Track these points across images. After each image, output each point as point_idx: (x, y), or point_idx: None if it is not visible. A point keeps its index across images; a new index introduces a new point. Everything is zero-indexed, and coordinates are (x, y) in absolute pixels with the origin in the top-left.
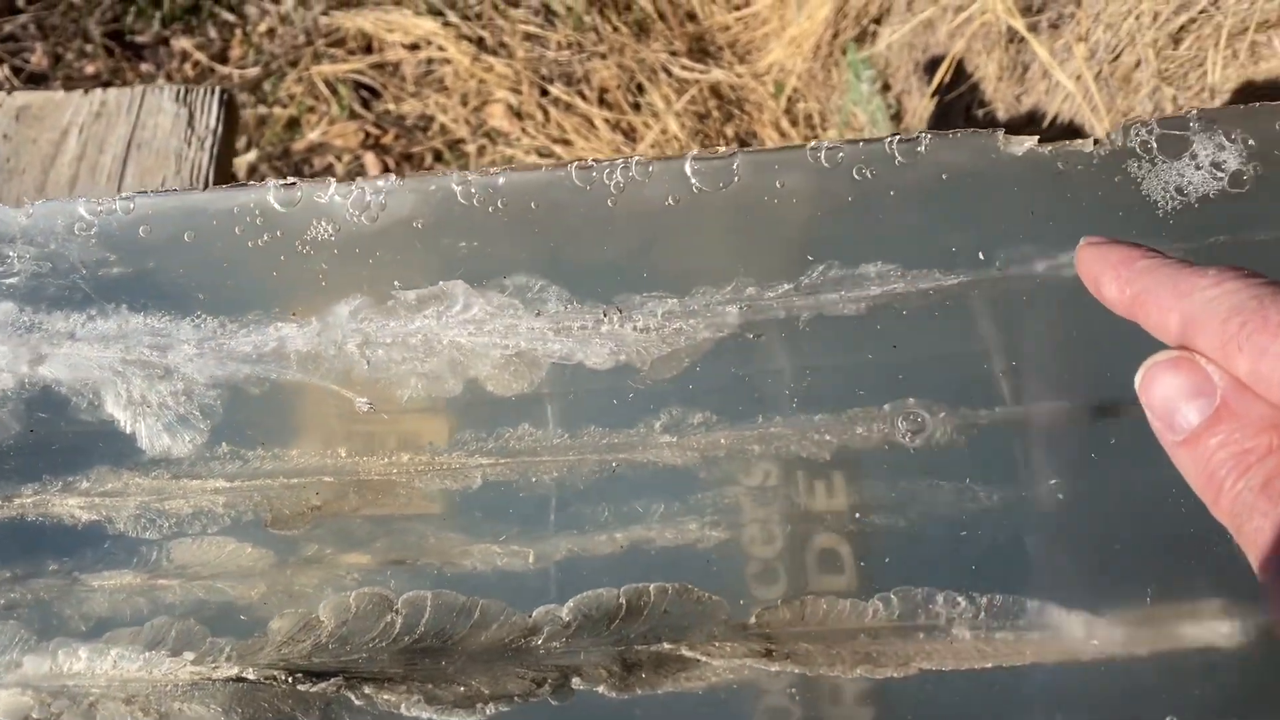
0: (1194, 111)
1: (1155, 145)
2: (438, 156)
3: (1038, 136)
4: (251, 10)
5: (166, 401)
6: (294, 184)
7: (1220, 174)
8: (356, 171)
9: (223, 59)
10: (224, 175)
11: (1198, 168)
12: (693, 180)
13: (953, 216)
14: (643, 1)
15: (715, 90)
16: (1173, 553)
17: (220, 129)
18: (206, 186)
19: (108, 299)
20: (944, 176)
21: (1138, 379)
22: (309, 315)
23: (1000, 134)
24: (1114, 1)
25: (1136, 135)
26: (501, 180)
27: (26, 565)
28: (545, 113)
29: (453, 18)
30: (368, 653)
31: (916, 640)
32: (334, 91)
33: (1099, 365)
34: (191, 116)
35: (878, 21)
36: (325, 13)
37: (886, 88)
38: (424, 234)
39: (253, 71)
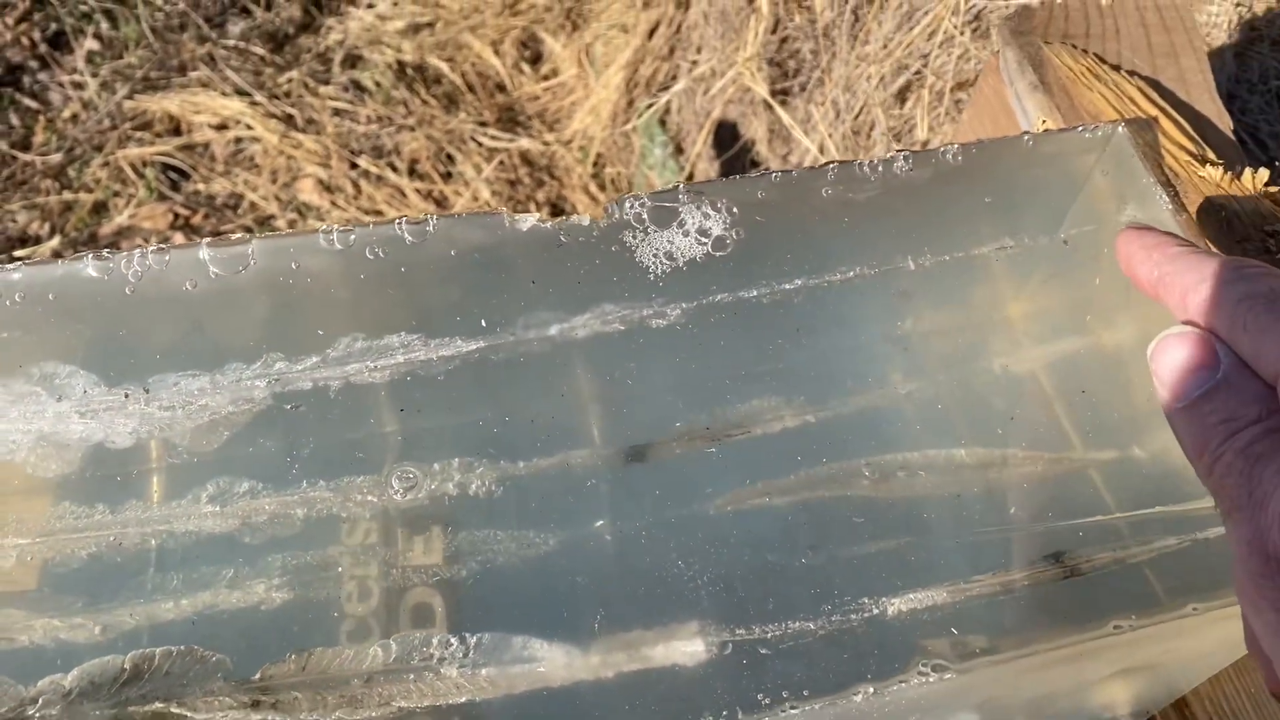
0: (682, 185)
1: (647, 216)
2: (248, 233)
3: (538, 214)
4: (55, 96)
5: None
6: None
7: (704, 239)
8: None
9: (25, 146)
10: None
11: (685, 235)
12: (210, 266)
13: (465, 289)
14: (451, 75)
15: (526, 157)
16: (664, 583)
17: None
18: None
19: None
20: (453, 252)
21: (1150, 348)
22: None
23: (505, 212)
24: (848, 66)
25: (631, 208)
26: (16, 275)
27: None
28: (356, 185)
29: (259, 97)
30: None
31: (404, 681)
32: (140, 175)
33: (623, 413)
34: None
35: (666, 89)
36: (130, 96)
37: (680, 151)
38: None
39: (56, 157)
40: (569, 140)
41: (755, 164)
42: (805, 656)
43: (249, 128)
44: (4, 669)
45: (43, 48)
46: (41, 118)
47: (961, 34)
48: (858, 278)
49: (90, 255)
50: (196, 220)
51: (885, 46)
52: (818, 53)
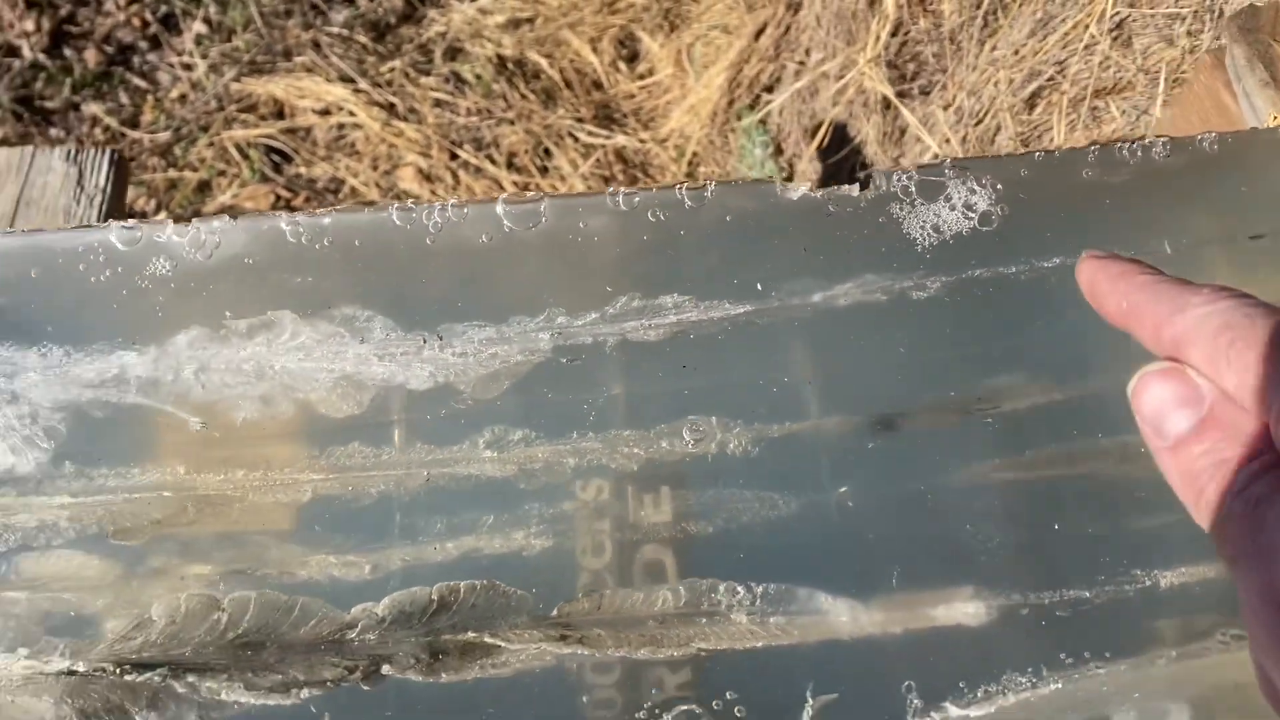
0: (948, 160)
1: (915, 189)
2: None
3: (809, 183)
4: (163, 76)
5: (12, 424)
6: (134, 225)
7: (971, 214)
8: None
9: (134, 124)
10: None
11: (952, 209)
12: (505, 221)
13: (738, 253)
14: (550, 71)
15: (620, 154)
16: (935, 547)
17: (110, 188)
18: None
19: None
20: (728, 219)
21: (1130, 386)
22: (148, 344)
23: (778, 181)
24: (975, 70)
25: (898, 181)
26: (328, 220)
27: None
28: (455, 176)
29: (363, 84)
30: (195, 647)
31: (698, 624)
32: (245, 155)
33: (873, 383)
34: (81, 175)
35: (770, 90)
36: (237, 79)
37: (779, 151)
38: (255, 269)
39: (163, 136)
40: (664, 138)
41: (864, 166)
42: (1094, 621)
43: (351, 114)
44: None
45: (152, 29)
46: (150, 97)
47: (1101, 42)
48: None
49: (395, 205)
50: (298, 203)
51: (1017, 52)
52: (940, 56)
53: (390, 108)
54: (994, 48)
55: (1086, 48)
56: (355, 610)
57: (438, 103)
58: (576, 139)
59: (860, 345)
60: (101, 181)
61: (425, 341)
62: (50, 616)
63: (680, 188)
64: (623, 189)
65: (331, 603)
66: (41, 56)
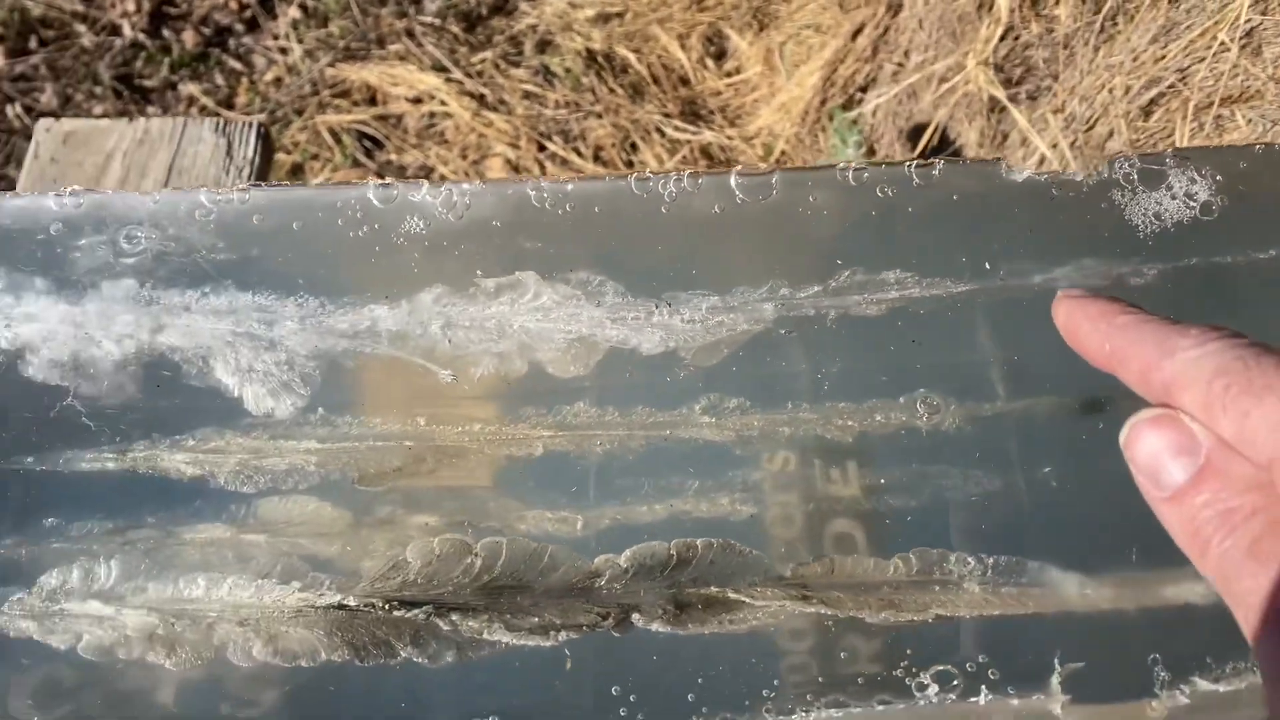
0: (1169, 150)
1: (1136, 177)
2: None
3: (1032, 166)
4: (259, 60)
5: (271, 370)
6: (391, 184)
7: (1193, 203)
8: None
9: (228, 105)
10: None
11: (1173, 198)
12: (737, 193)
13: (962, 232)
14: (638, 66)
15: (705, 150)
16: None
17: (257, 160)
18: None
19: (222, 278)
20: (955, 197)
21: (1123, 435)
22: (400, 299)
23: (1004, 162)
24: (1089, 76)
25: (1119, 168)
26: (570, 187)
27: (128, 518)
28: (542, 167)
29: (456, 74)
30: (452, 588)
31: (932, 591)
32: (338, 140)
33: (1085, 366)
34: (230, 147)
35: (864, 90)
36: (332, 64)
37: (871, 152)
38: (501, 231)
39: (257, 118)
40: (752, 136)
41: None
42: None
43: (443, 103)
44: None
45: (249, 12)
46: (245, 79)
47: (1231, 49)
48: None
49: (634, 175)
50: None
51: (1136, 59)
52: (1051, 61)
53: (480, 98)
54: (1110, 54)
55: (1214, 54)
56: (599, 560)
57: (527, 94)
58: (663, 134)
59: None
60: (250, 153)
61: (657, 308)
62: (291, 557)
63: (909, 165)
64: (853, 164)
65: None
66: (141, 36)
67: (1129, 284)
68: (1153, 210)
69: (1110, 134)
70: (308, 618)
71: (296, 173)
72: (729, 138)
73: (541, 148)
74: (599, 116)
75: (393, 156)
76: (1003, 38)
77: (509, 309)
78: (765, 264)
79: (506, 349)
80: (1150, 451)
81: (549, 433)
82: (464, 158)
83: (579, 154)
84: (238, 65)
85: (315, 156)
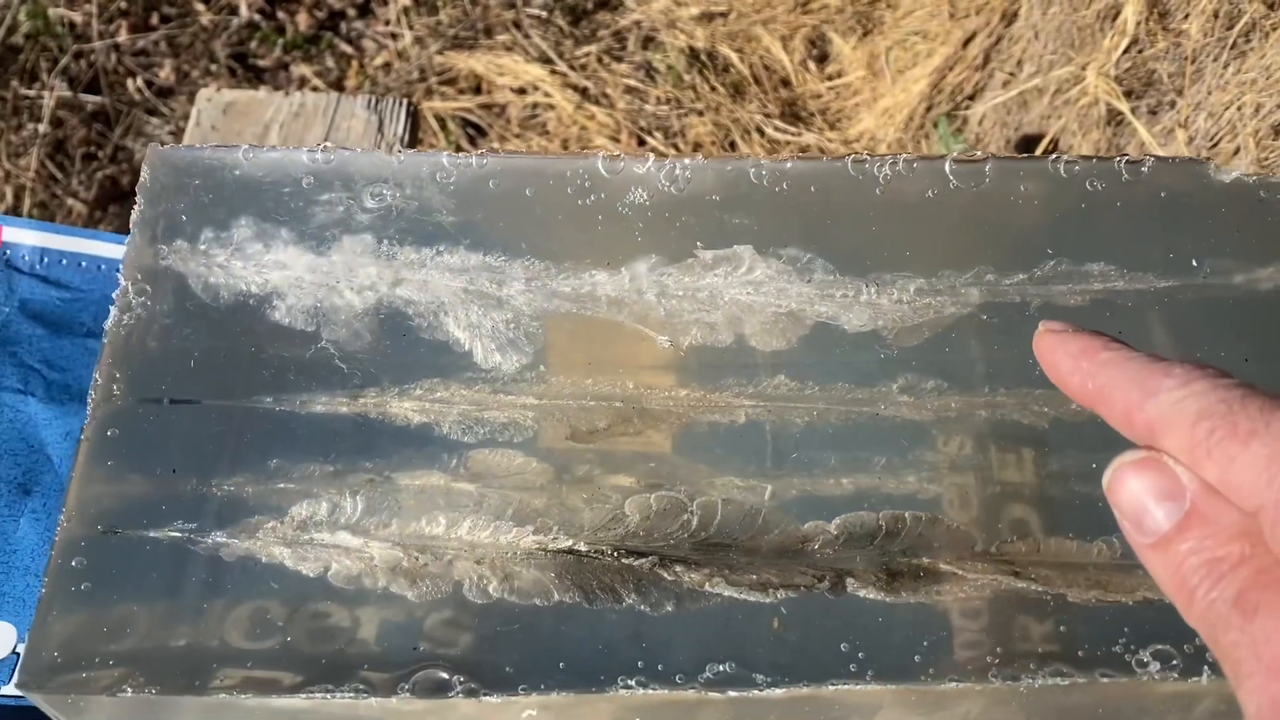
0: None
1: None
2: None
3: (1241, 167)
4: (369, 44)
5: (499, 327)
6: (619, 155)
7: None
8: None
9: (339, 87)
10: None
11: None
12: (951, 178)
13: (1168, 229)
14: (739, 65)
15: (805, 152)
16: None
17: (406, 136)
18: None
19: (458, 238)
20: (1162, 194)
21: (1105, 478)
22: (620, 266)
23: (1212, 163)
24: (1217, 92)
25: None
26: (788, 166)
27: (348, 462)
28: None
29: (560, 66)
30: (671, 542)
31: (1137, 575)
32: (443, 127)
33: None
34: (381, 123)
35: (971, 98)
36: (440, 52)
37: None
38: (719, 206)
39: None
40: (853, 139)
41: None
42: None
43: (546, 95)
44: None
45: None
46: (355, 63)
47: None
48: None
49: (850, 157)
50: None
51: (1269, 76)
52: (1176, 76)
53: (583, 91)
54: (1242, 70)
55: None
56: (808, 526)
57: (629, 89)
58: (763, 134)
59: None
60: (400, 130)
61: (866, 287)
62: (495, 509)
63: (1119, 160)
64: (1064, 156)
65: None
66: (257, 17)
67: None
68: None
69: (1236, 151)
70: (539, 560)
71: None
72: (829, 140)
73: (641, 142)
74: (700, 114)
75: (496, 144)
76: (1125, 50)
77: (722, 281)
78: (973, 250)
79: (717, 320)
80: (1133, 495)
81: (750, 403)
82: (564, 148)
83: (678, 149)
84: (348, 49)
85: (419, 141)
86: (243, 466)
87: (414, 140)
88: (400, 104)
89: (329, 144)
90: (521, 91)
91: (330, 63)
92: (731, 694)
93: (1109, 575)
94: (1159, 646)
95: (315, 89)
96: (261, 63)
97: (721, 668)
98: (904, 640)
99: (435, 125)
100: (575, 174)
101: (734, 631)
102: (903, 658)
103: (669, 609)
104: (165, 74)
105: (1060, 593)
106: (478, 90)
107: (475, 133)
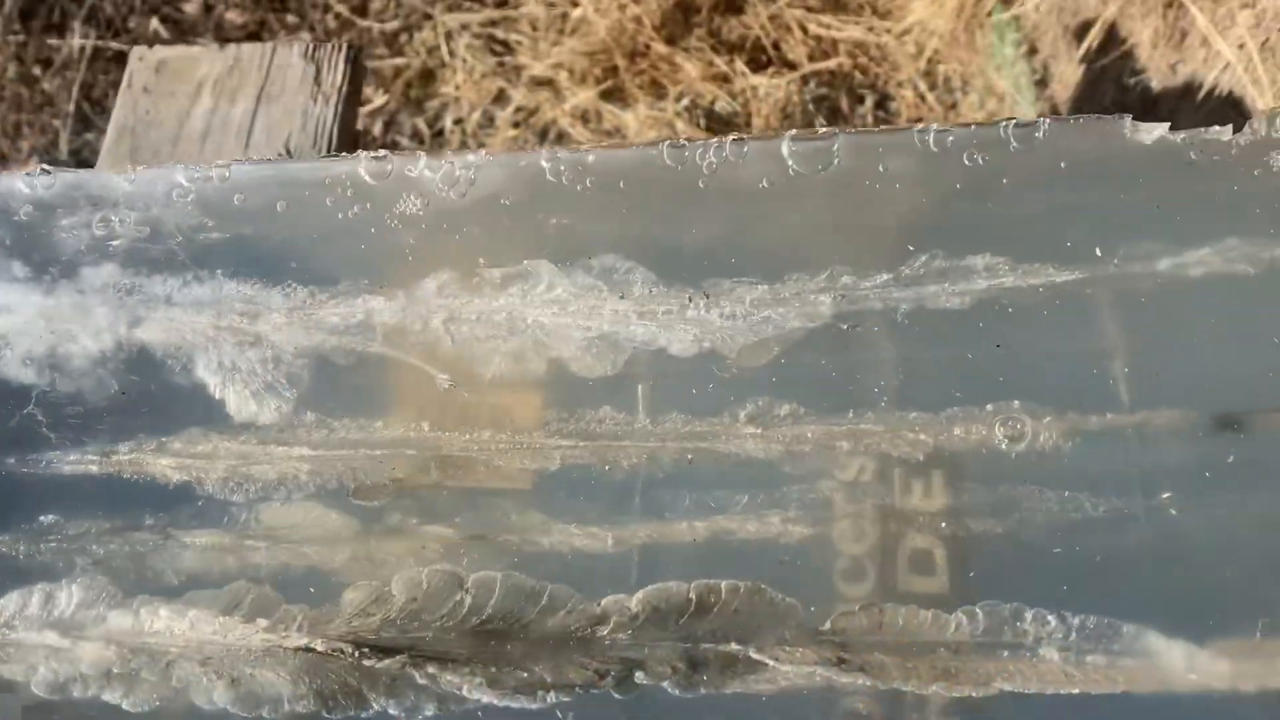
0: None
1: None
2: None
3: (1169, 124)
4: None
5: (255, 368)
6: (384, 156)
7: None
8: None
9: (363, 12)
10: (348, 132)
11: None
12: (789, 162)
13: (1071, 208)
14: None
15: (854, 52)
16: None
17: (345, 86)
18: (331, 147)
19: (203, 265)
20: (1063, 164)
21: None
22: (396, 289)
23: (1128, 121)
24: None
25: None
26: (591, 158)
27: (125, 519)
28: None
29: None
30: (436, 630)
31: (999, 659)
32: (470, 44)
33: (1223, 372)
34: (319, 73)
35: None
36: None
37: (1033, 51)
38: (512, 210)
39: (392, 24)
40: (904, 32)
41: (1135, 72)
42: None
43: (575, 3)
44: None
45: None
46: None
47: None
48: None
49: (666, 142)
50: (518, 96)
51: None
52: None
53: None
54: None
55: None
56: (607, 602)
57: None
58: (806, 30)
59: (1211, 325)
60: (338, 79)
61: (690, 300)
62: (288, 569)
63: (1005, 126)
64: (934, 126)
65: (572, 575)
66: None
67: None
68: None
69: None
70: (275, 658)
71: (428, 78)
72: (875, 33)
73: (671, 41)
74: (739, 12)
75: (525, 60)
76: None
77: (520, 302)
78: (825, 247)
79: (520, 347)
80: None
81: (569, 443)
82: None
83: (715, 50)
84: None
85: (445, 64)
86: None
87: (356, 90)
88: (339, 51)
89: (46, 167)
90: (550, 5)
91: None
92: None
93: (964, 659)
94: None
95: (339, 16)
96: None
97: None
98: None
99: (462, 46)
100: (335, 182)
101: None
102: None
103: (430, 712)
104: (192, 9)
105: (896, 684)
106: (505, 3)
107: (503, 49)
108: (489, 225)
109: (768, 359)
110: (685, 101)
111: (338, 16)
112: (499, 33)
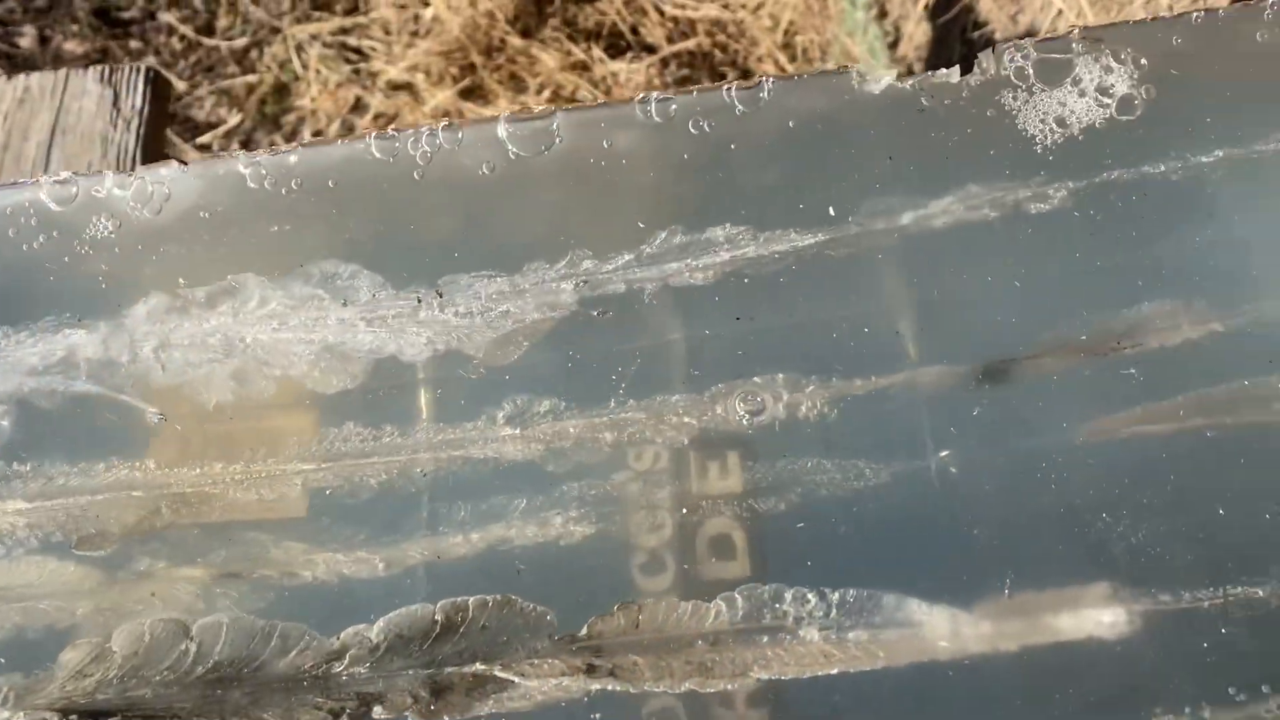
0: (1076, 30)
1: (1033, 72)
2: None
3: (896, 71)
4: None
5: None
6: (68, 179)
7: (1107, 100)
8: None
9: (209, 31)
10: (156, 156)
11: (1081, 94)
12: (509, 145)
13: (805, 169)
14: None
15: (711, 26)
16: (1059, 532)
17: (147, 109)
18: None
19: None
20: (791, 124)
21: None
22: (97, 320)
23: (854, 71)
24: None
25: (1012, 61)
26: (294, 159)
27: None
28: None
29: None
30: (157, 686)
31: (758, 645)
32: (321, 56)
33: (982, 322)
34: (117, 98)
35: None
36: None
37: (883, 14)
38: (213, 223)
39: (240, 41)
40: (759, 6)
41: (978, 25)
42: (1274, 633)
43: (425, 3)
44: (289, 608)
45: None
46: (224, 0)
47: None
48: None
49: (374, 134)
50: (374, 101)
51: None
52: None
53: None
54: None
55: None
56: (345, 634)
57: None
58: (662, 13)
59: (963, 276)
60: (138, 102)
61: (420, 301)
62: (23, 630)
63: (729, 89)
64: (655, 94)
65: (343, 605)
66: None
67: (1030, 211)
68: (1054, 114)
69: None
70: None
71: (282, 93)
72: (730, 9)
73: (527, 33)
74: (593, 0)
75: (380, 65)
76: None
77: (231, 320)
78: (561, 232)
79: (240, 368)
80: None
81: (310, 465)
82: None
83: (572, 39)
84: None
85: (299, 77)
86: None
87: (159, 112)
88: (138, 73)
89: None
90: (402, 7)
91: (198, 4)
92: None
93: (721, 650)
94: None
95: (183, 38)
96: (126, 14)
97: None
98: None
99: (313, 56)
100: (17, 211)
101: None
102: None
103: None
104: (27, 43)
105: (648, 687)
106: (354, 10)
107: (358, 56)
108: (189, 242)
109: (517, 355)
110: (546, 93)
111: (183, 38)
112: (351, 40)
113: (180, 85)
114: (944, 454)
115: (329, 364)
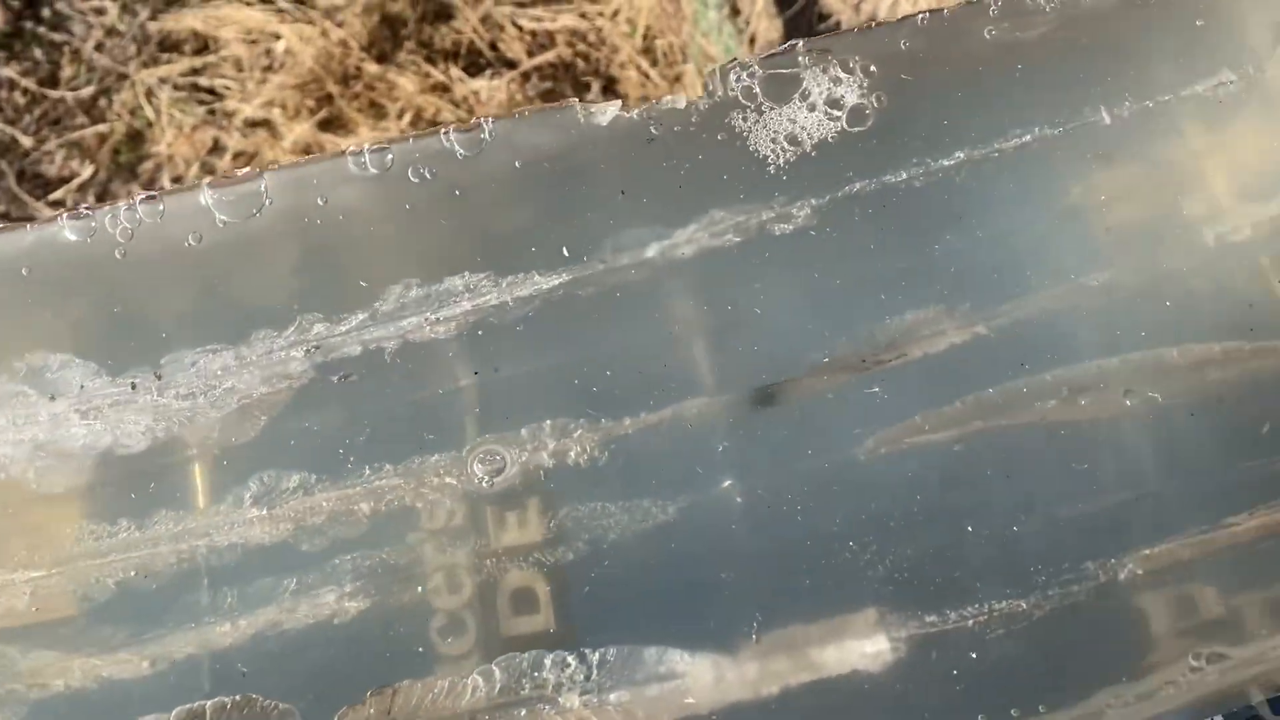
0: (800, 43)
1: (760, 90)
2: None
3: (620, 101)
4: (77, 26)
5: None
6: None
7: (837, 112)
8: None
9: (53, 83)
10: None
11: (811, 109)
12: (215, 213)
13: (538, 209)
14: None
15: (571, 37)
16: (823, 560)
17: None
18: None
19: None
20: (518, 164)
21: None
22: None
23: (577, 105)
24: None
25: (738, 80)
26: None
27: None
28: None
29: (282, 3)
30: None
31: (515, 718)
32: (174, 99)
33: (743, 350)
34: None
35: None
36: (153, 17)
37: (736, 11)
38: None
39: (87, 91)
40: (615, 12)
41: (823, 18)
42: (1025, 650)
43: (277, 36)
44: None
45: None
46: (67, 49)
47: None
48: (1037, 142)
49: (65, 214)
50: (233, 142)
51: None
52: None
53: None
54: None
55: None
56: None
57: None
58: (520, 27)
59: (719, 304)
60: None
61: (136, 386)
62: None
63: (446, 132)
64: (366, 145)
65: (113, 711)
66: None
67: (775, 232)
68: (784, 131)
69: None
70: None
71: (136, 140)
72: (586, 18)
73: (383, 59)
74: (448, 18)
75: (236, 104)
76: None
77: None
78: (286, 298)
79: None
80: None
81: (39, 573)
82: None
83: (430, 61)
84: (56, 36)
85: (151, 123)
86: None
87: None
88: None
89: None
90: (253, 42)
91: (39, 55)
92: None
93: None
94: None
95: (25, 91)
96: None
97: None
98: None
99: (164, 99)
100: None
101: None
102: None
103: None
104: None
105: None
106: (204, 50)
107: (212, 97)
108: None
109: (254, 432)
110: (407, 118)
111: (25, 91)
112: (203, 80)
113: (26, 141)
114: (726, 484)
115: (46, 462)
